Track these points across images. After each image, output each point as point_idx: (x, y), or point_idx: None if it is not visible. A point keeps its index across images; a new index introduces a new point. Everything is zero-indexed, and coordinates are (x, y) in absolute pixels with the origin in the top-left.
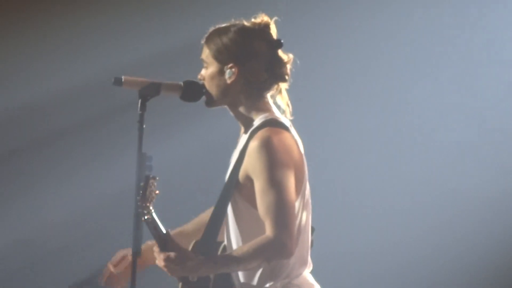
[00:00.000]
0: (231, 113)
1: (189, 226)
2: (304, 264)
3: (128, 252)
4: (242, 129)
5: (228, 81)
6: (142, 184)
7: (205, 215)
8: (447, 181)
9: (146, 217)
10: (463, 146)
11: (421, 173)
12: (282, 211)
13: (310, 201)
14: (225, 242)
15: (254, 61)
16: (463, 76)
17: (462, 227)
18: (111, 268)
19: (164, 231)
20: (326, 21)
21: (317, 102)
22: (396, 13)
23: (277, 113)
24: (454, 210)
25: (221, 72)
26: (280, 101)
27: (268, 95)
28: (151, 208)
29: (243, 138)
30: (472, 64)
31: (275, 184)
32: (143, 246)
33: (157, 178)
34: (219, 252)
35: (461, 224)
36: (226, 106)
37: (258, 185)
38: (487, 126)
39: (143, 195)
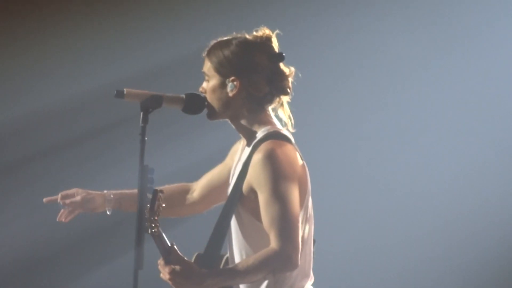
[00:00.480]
0: (233, 126)
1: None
2: (306, 276)
3: (80, 192)
4: (244, 142)
5: (230, 94)
6: (149, 197)
7: (170, 189)
8: (450, 180)
9: (153, 230)
10: (466, 145)
11: (423, 175)
12: (286, 224)
13: (312, 213)
14: (228, 255)
15: (255, 74)
16: (464, 76)
17: (465, 226)
18: (59, 198)
19: (169, 244)
20: (324, 25)
21: (316, 106)
22: (397, 14)
23: (279, 126)
24: (457, 210)
25: (222, 85)
26: (281, 114)
27: (270, 108)
28: (158, 221)
29: (246, 150)
30: (471, 64)
31: (279, 196)
32: (92, 193)
33: (164, 192)
34: (221, 265)
35: (464, 223)
36: (227, 119)
37: (262, 198)
38: (490, 124)
39: (151, 208)
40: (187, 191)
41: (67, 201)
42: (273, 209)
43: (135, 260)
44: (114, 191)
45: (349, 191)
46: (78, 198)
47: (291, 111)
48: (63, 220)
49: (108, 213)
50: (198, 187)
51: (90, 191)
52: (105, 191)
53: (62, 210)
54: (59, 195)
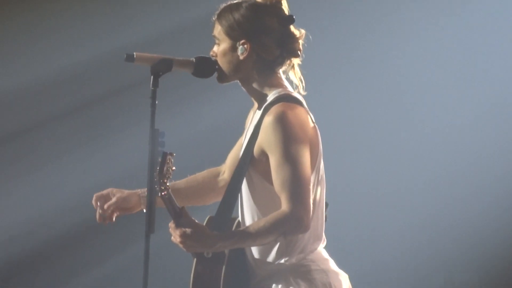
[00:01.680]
0: (244, 89)
1: (181, 183)
2: (318, 239)
3: (114, 192)
4: (256, 105)
5: (241, 57)
6: (159, 160)
7: (200, 175)
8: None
9: (163, 193)
10: (482, 141)
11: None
12: (297, 186)
13: (324, 176)
14: (239, 218)
15: (266, 37)
16: (473, 74)
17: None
18: (93, 200)
19: (180, 207)
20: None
21: (326, 69)
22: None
23: (290, 89)
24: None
25: (233, 48)
26: (292, 76)
27: (281, 71)
28: (167, 184)
29: (257, 113)
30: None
31: (290, 158)
32: (126, 192)
33: (174, 154)
34: (233, 228)
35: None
36: (238, 82)
37: (274, 160)
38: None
39: (160, 171)
40: (217, 174)
41: (105, 206)
42: (284, 171)
43: (147, 224)
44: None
45: (361, 153)
46: (114, 199)
47: (302, 74)
48: (104, 223)
49: (144, 211)
50: (226, 168)
51: (123, 190)
52: (139, 190)
53: (98, 214)
54: (94, 197)
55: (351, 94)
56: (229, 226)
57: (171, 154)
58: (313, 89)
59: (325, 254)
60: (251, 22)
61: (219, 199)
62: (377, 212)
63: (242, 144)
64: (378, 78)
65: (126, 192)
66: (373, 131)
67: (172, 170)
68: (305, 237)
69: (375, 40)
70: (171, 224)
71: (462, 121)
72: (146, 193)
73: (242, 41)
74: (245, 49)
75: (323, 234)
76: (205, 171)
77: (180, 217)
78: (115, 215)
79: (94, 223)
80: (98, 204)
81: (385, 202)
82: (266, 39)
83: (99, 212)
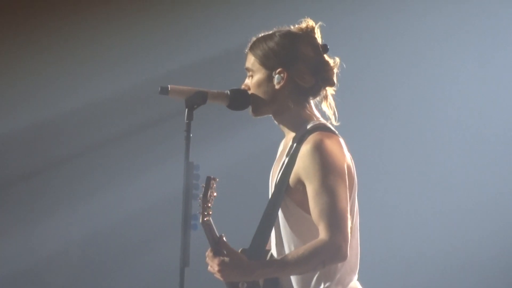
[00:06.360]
0: (276, 122)
1: None
2: (354, 269)
3: None
4: (288, 137)
5: (277, 86)
6: (203, 185)
7: None
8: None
9: (205, 219)
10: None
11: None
12: (336, 214)
13: (358, 207)
14: (273, 249)
15: (302, 65)
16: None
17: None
18: None
19: (218, 235)
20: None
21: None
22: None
23: (322, 120)
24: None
25: (269, 78)
26: (325, 107)
27: (312, 103)
28: (210, 209)
29: (289, 146)
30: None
31: (328, 187)
32: None
33: (217, 179)
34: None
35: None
36: (271, 115)
37: (311, 189)
38: None
39: (204, 195)
40: None
41: None
42: (323, 200)
43: (181, 258)
44: None
45: (393, 185)
46: None
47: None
48: None
49: None
50: None
51: None
52: None
53: None
54: None
55: (383, 127)
56: (263, 258)
57: (214, 179)
58: (345, 120)
59: (359, 286)
60: (287, 49)
61: None
62: (410, 244)
63: (273, 175)
64: (413, 111)
65: None
66: (407, 163)
67: (214, 195)
68: (342, 268)
69: (411, 69)
70: (209, 253)
71: None
72: None
73: (279, 69)
74: (282, 78)
75: (358, 266)
76: None
77: (219, 245)
78: None
79: (129, 254)
80: None
81: (418, 233)
82: (302, 67)
83: None
